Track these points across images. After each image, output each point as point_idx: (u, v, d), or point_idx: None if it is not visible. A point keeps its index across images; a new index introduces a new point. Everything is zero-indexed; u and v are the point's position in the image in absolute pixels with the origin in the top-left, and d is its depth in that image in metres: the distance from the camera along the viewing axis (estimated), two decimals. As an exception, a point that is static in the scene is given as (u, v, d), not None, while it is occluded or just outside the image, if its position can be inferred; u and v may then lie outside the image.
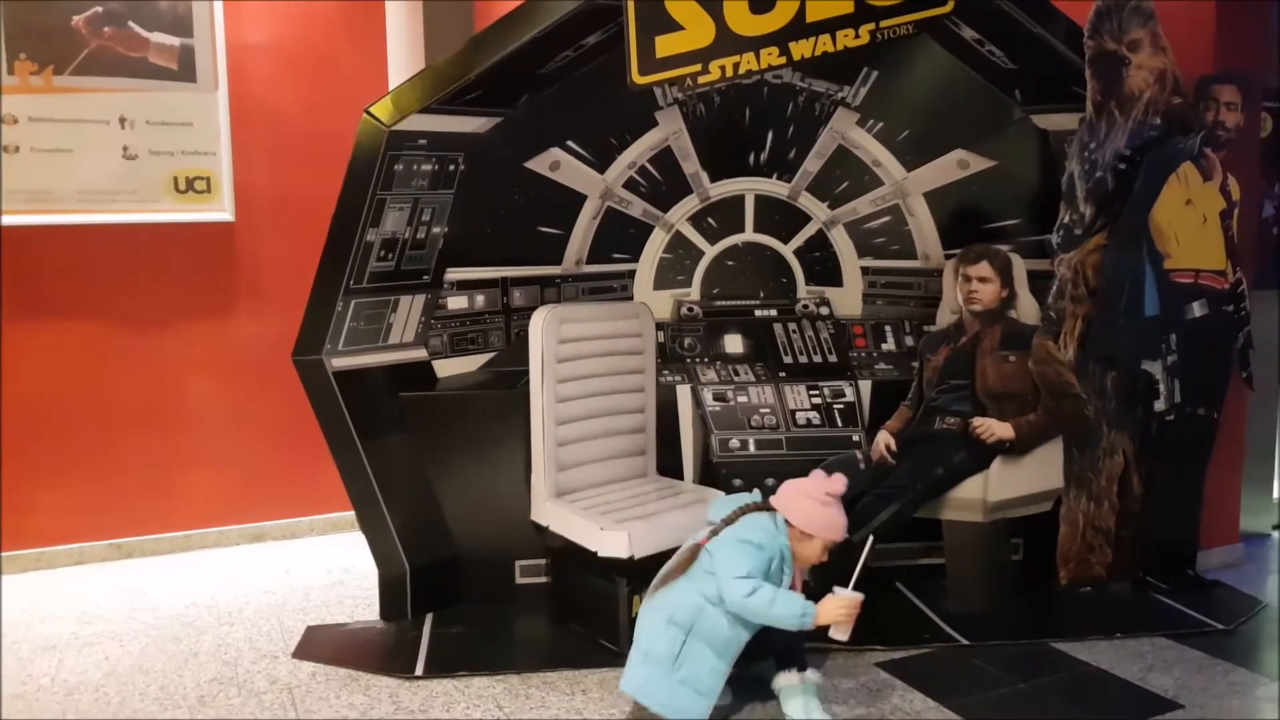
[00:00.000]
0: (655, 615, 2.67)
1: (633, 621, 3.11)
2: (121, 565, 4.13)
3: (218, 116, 4.13)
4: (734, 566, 2.59)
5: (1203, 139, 3.56)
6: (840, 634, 2.61)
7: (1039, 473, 3.48)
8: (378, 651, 3.30)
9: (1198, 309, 3.58)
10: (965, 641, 3.25)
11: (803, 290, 3.89)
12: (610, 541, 3.07)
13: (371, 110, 3.22)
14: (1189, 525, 3.76)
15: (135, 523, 4.21)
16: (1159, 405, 3.57)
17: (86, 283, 4.06)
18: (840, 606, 2.60)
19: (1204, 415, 3.64)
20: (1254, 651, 3.24)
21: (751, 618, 2.60)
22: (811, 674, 2.77)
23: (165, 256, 4.15)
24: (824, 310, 3.89)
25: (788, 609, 2.57)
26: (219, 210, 4.19)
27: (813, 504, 2.69)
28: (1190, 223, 3.56)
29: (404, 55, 4.23)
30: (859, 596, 2.61)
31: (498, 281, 3.63)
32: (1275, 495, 4.39)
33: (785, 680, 2.77)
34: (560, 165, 3.56)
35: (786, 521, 2.71)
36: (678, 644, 2.62)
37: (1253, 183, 3.92)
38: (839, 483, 2.71)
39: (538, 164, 3.54)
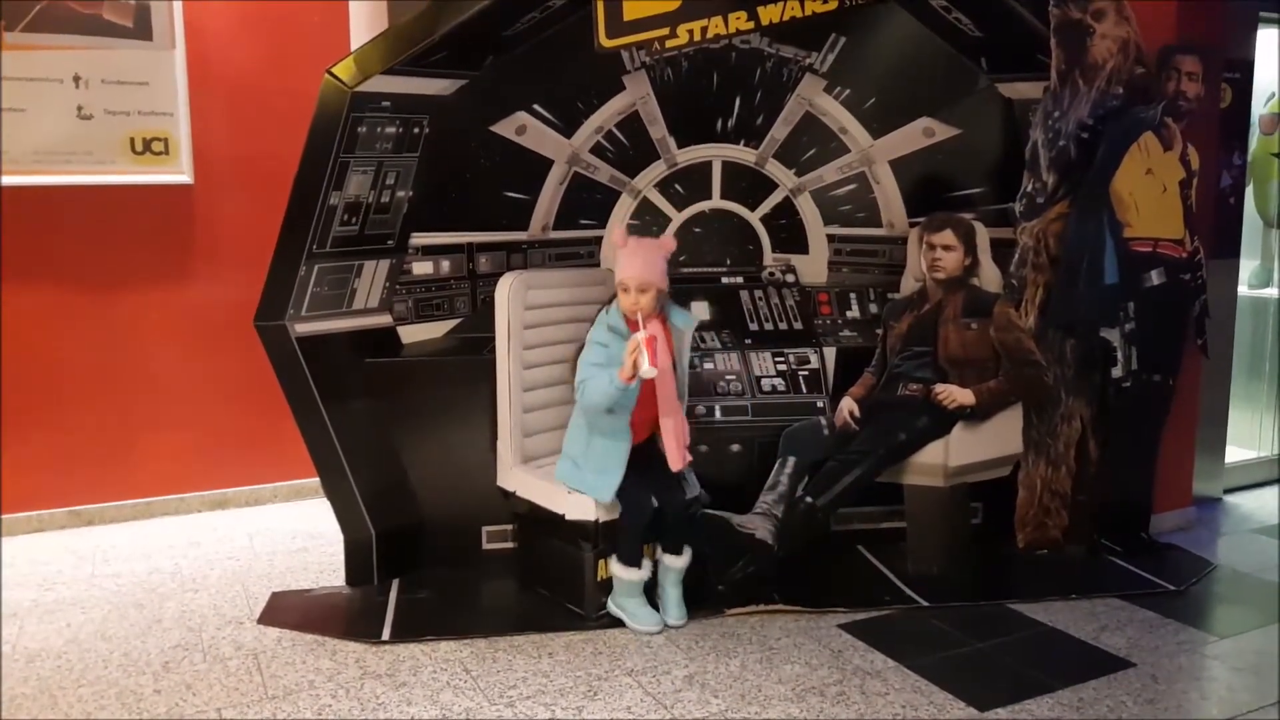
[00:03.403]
0: None
1: (600, 585, 3.15)
2: (81, 532, 4.08)
3: (175, 75, 4.03)
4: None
5: (1164, 109, 3.59)
6: (646, 372, 2.85)
7: (998, 438, 3.53)
8: (344, 617, 3.30)
9: (1155, 277, 3.63)
10: (925, 603, 3.31)
11: (769, 257, 3.90)
12: (576, 506, 3.10)
13: (334, 71, 3.16)
14: (1143, 489, 3.85)
15: (95, 489, 4.16)
16: (1116, 372, 3.63)
17: (42, 246, 3.96)
18: (630, 351, 2.88)
19: (1160, 382, 3.71)
20: (1204, 612, 3.34)
21: (592, 406, 3.02)
22: (671, 559, 3.13)
23: (122, 220, 4.06)
24: (789, 277, 3.90)
25: (599, 387, 2.97)
26: (177, 172, 4.10)
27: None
28: (1150, 192, 3.60)
29: (366, 14, 4.14)
30: (640, 334, 2.88)
31: (463, 247, 3.60)
32: (1227, 460, 4.50)
33: (667, 561, 3.14)
34: (526, 129, 3.53)
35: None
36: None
37: (1211, 153, 3.98)
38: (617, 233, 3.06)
39: (503, 128, 3.51)
